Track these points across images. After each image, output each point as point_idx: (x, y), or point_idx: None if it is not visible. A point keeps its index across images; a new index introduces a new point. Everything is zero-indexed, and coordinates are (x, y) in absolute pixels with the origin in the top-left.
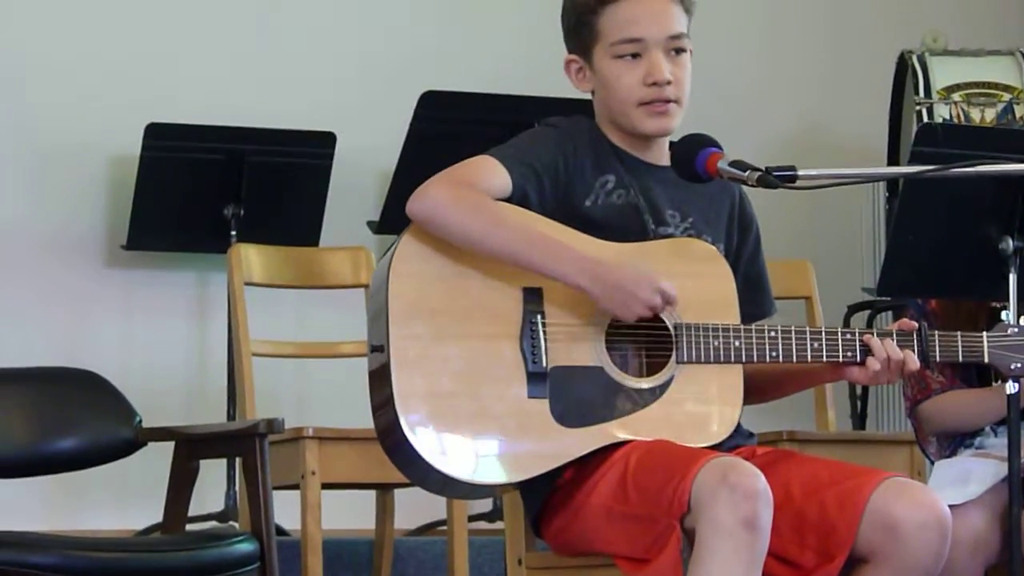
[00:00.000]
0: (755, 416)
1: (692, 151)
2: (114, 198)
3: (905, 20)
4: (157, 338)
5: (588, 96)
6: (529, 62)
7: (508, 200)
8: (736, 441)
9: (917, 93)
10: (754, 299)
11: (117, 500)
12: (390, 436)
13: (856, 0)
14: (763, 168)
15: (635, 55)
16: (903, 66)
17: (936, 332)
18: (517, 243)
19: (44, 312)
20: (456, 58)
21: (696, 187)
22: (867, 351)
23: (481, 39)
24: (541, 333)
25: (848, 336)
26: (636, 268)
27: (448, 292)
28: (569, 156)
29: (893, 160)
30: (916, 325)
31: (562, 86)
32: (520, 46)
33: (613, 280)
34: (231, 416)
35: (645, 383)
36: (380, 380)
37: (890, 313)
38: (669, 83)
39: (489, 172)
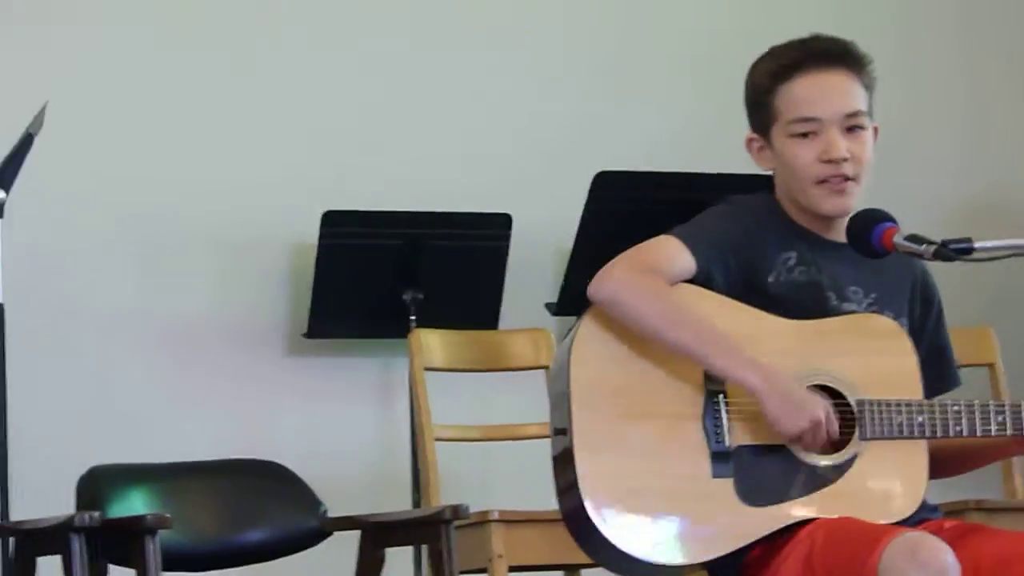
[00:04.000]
0: (941, 486)
1: (867, 227)
2: (294, 287)
3: None
4: (340, 425)
5: (761, 171)
6: (701, 138)
7: (692, 281)
8: (922, 515)
9: None
10: (938, 372)
11: None
12: (576, 519)
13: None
14: (939, 241)
15: (812, 133)
16: None
17: None
18: (694, 340)
19: (229, 402)
20: (629, 134)
21: (878, 262)
22: None
23: (653, 115)
24: (724, 412)
25: None
26: (810, 391)
27: (629, 373)
28: (752, 233)
29: None
30: None
31: (733, 162)
32: (692, 123)
33: (784, 387)
34: (416, 502)
35: (829, 460)
36: (564, 463)
37: None
38: (846, 160)
39: (673, 254)
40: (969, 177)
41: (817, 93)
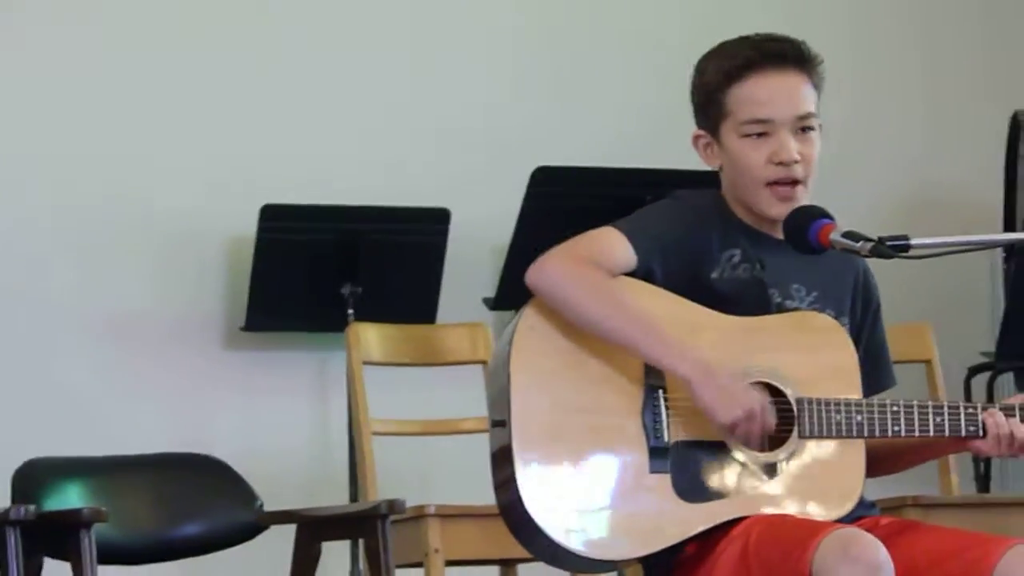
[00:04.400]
0: (878, 482)
1: (804, 223)
2: (232, 280)
3: (1018, 80)
4: (277, 419)
5: (701, 168)
6: (643, 135)
7: (632, 274)
8: (858, 512)
9: None
10: (875, 372)
11: None
12: (513, 512)
13: (967, 57)
14: (876, 238)
15: (763, 134)
16: (1016, 125)
17: None
18: (629, 331)
19: (166, 395)
20: (567, 131)
21: (820, 260)
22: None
23: (590, 113)
24: (663, 407)
25: (970, 411)
26: (746, 385)
27: (570, 366)
28: (696, 229)
29: (1009, 218)
30: None
31: (676, 159)
32: (631, 120)
33: (718, 380)
34: (353, 496)
35: (767, 458)
36: (502, 457)
37: (1011, 375)
38: (796, 162)
39: (613, 246)
40: (918, 175)
41: (770, 94)
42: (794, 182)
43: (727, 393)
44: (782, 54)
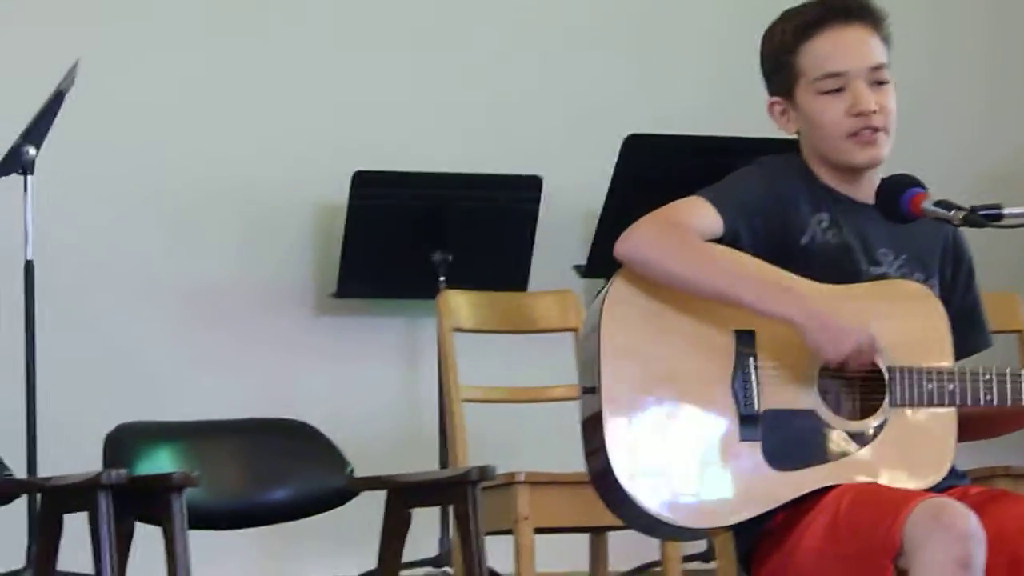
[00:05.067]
0: (968, 453)
1: (896, 192)
2: (323, 247)
3: None
4: (368, 385)
5: (791, 136)
6: (731, 102)
7: (719, 241)
8: (949, 482)
9: None
10: (969, 332)
11: (332, 549)
12: (603, 480)
13: None
14: (968, 207)
15: (839, 89)
16: None
17: None
18: (725, 280)
19: (257, 362)
20: (658, 98)
21: (908, 225)
22: None
23: (683, 79)
24: (753, 376)
25: None
26: (850, 314)
27: (660, 334)
28: (783, 195)
29: None
30: None
31: (763, 127)
32: (721, 86)
33: (826, 318)
34: (443, 462)
35: (858, 426)
36: (593, 423)
37: None
38: (875, 112)
39: (699, 212)
40: (992, 142)
41: (841, 48)
42: (875, 130)
43: (833, 330)
44: (847, 8)
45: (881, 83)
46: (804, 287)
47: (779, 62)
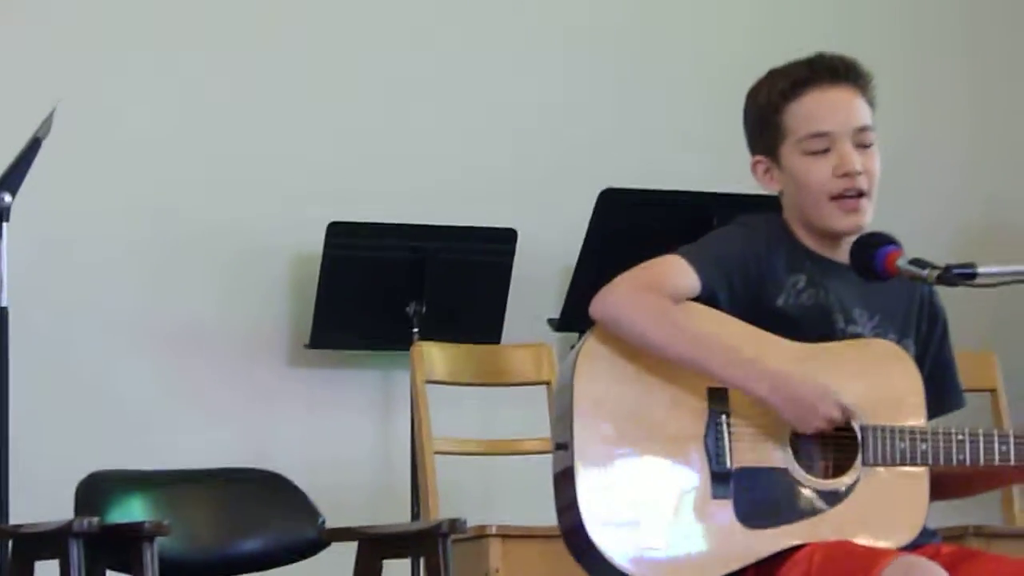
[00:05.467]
0: (939, 511)
1: (870, 250)
2: (297, 297)
3: None
4: (340, 436)
5: (769, 192)
6: (709, 157)
7: (696, 300)
8: (920, 540)
9: None
10: (942, 392)
11: None
12: (574, 535)
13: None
14: (943, 266)
15: (824, 150)
16: None
17: None
18: (694, 350)
19: (231, 411)
20: (636, 152)
21: (883, 283)
22: None
23: (660, 133)
24: (726, 433)
25: None
26: (817, 382)
27: (633, 392)
28: (761, 255)
29: None
30: None
31: (740, 182)
32: (699, 140)
33: (794, 392)
34: (415, 514)
35: (830, 485)
36: (565, 479)
37: None
38: (860, 174)
39: (676, 273)
40: (970, 198)
41: (827, 108)
42: (859, 194)
43: (804, 406)
44: (834, 69)
45: (866, 145)
46: (776, 349)
47: (764, 121)
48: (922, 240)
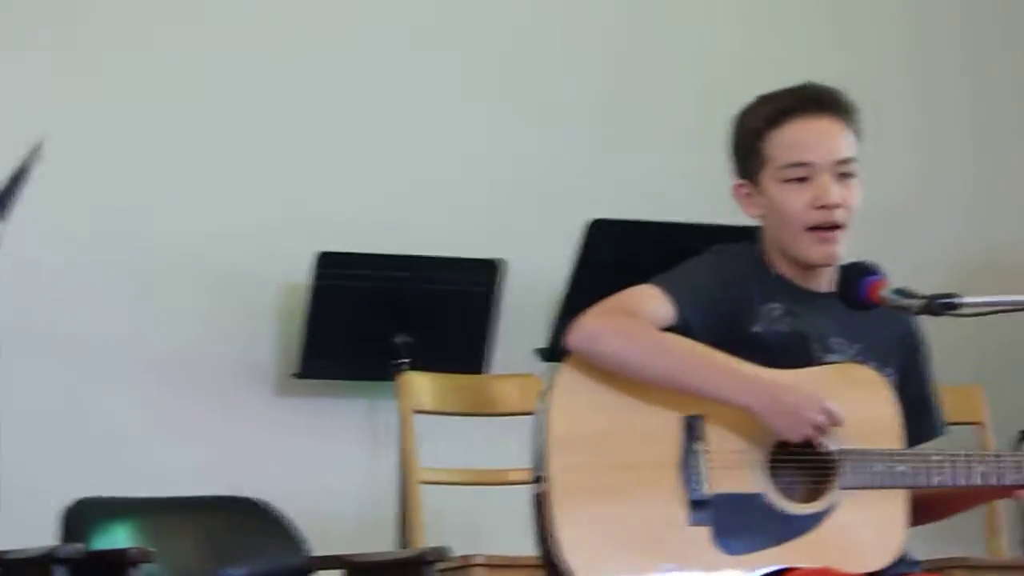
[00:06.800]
0: (924, 542)
1: (855, 279)
2: (284, 326)
3: None
4: (327, 465)
5: (756, 223)
6: (696, 188)
7: (671, 329)
8: (901, 569)
9: None
10: (922, 421)
11: None
12: (554, 566)
13: (1021, 116)
14: (927, 296)
15: (803, 179)
16: None
17: None
18: (678, 367)
19: (218, 439)
20: (622, 183)
21: (863, 313)
22: None
23: (649, 163)
24: (702, 460)
25: (1014, 459)
26: (801, 389)
27: (608, 421)
28: (736, 282)
29: None
30: None
31: (726, 213)
32: (686, 171)
33: (779, 399)
34: (402, 544)
35: (807, 509)
36: (543, 510)
37: None
38: (838, 206)
39: (650, 301)
40: (970, 236)
41: (810, 138)
42: (835, 226)
43: (790, 411)
44: (819, 99)
45: (847, 176)
46: (755, 372)
47: (748, 146)
48: (915, 280)
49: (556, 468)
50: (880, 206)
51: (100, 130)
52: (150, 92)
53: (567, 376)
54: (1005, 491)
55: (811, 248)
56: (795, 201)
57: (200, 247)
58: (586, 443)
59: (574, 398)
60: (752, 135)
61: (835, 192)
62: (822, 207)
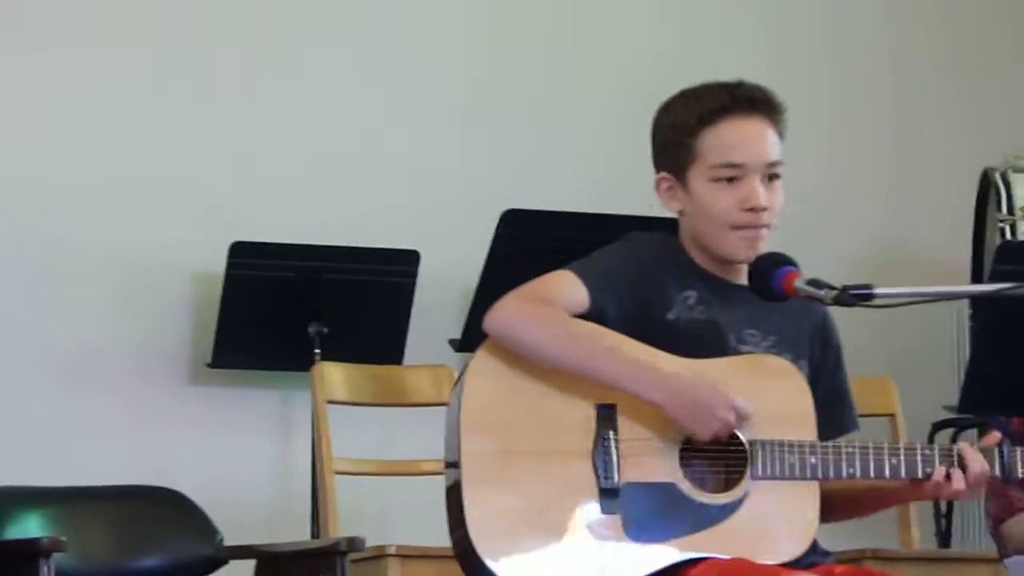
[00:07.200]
0: (837, 534)
1: (768, 270)
2: (199, 316)
3: (988, 138)
4: (241, 455)
5: (671, 215)
6: (612, 180)
7: (586, 316)
8: (814, 559)
9: (1000, 210)
10: (835, 414)
11: None
12: (465, 555)
13: (937, 115)
14: (840, 286)
15: (732, 179)
16: (986, 182)
17: (1019, 449)
18: (591, 358)
19: (129, 429)
20: (537, 175)
21: (778, 305)
22: (951, 464)
23: (561, 157)
24: (614, 449)
25: (926, 452)
26: (711, 385)
27: (521, 407)
28: (651, 269)
29: (977, 275)
30: (999, 438)
31: (643, 205)
32: (601, 165)
33: (689, 396)
34: (315, 534)
35: (719, 499)
36: (454, 498)
37: (975, 431)
38: (765, 209)
39: (566, 287)
40: (887, 233)
41: (743, 139)
42: (759, 228)
43: (699, 411)
44: (752, 99)
45: (775, 178)
46: (667, 363)
47: (676, 141)
48: (828, 274)
49: (468, 453)
50: (795, 198)
51: (9, 118)
52: (56, 75)
53: (482, 361)
54: (917, 488)
55: (734, 247)
56: (722, 201)
57: (114, 237)
58: (498, 429)
59: (488, 383)
60: (682, 130)
61: (763, 195)
62: (750, 209)
